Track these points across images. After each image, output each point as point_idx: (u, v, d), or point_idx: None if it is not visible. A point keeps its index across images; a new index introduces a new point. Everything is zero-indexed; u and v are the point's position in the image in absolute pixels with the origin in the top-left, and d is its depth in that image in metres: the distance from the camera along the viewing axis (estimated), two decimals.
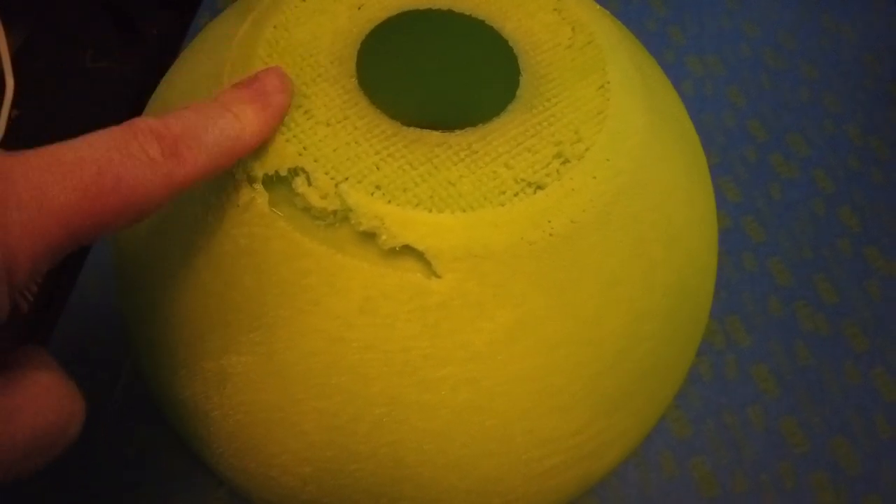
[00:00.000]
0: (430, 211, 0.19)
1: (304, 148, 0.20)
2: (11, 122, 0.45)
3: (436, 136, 0.21)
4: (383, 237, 0.19)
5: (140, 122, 0.16)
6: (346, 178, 0.19)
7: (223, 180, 0.20)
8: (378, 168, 0.20)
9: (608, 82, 0.22)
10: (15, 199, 0.14)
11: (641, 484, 0.32)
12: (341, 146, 0.20)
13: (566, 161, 0.20)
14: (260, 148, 0.20)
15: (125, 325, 0.26)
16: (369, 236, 0.19)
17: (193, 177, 0.17)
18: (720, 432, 0.34)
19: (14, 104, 0.46)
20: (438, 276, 0.19)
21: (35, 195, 0.14)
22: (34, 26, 0.51)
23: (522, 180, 0.20)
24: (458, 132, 0.21)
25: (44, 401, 0.15)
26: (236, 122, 0.18)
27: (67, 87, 0.50)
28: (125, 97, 0.50)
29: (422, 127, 0.21)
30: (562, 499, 0.25)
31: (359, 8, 0.23)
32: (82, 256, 0.36)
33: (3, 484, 0.14)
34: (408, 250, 0.19)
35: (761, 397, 0.35)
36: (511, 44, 0.23)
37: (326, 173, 0.19)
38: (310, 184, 0.19)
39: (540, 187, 0.20)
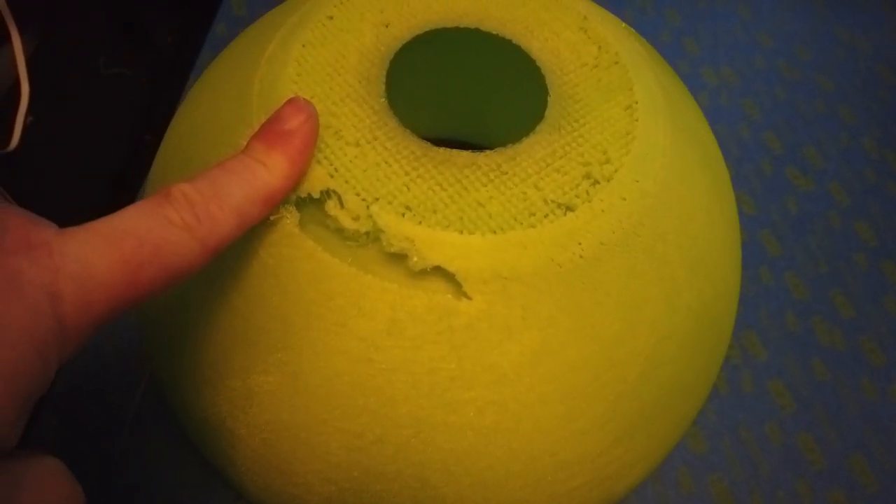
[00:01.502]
0: (461, 232, 0.19)
1: (335, 169, 0.20)
2: (26, 127, 0.45)
3: (465, 156, 0.20)
4: (414, 258, 0.19)
5: (174, 190, 0.16)
6: (377, 199, 0.19)
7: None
8: (408, 189, 0.20)
9: (635, 102, 0.22)
10: (68, 271, 0.14)
11: (659, 500, 0.32)
12: (371, 167, 0.20)
13: (595, 182, 0.20)
14: None
15: (144, 343, 0.26)
16: (397, 257, 0.19)
17: (229, 237, 0.17)
18: (737, 448, 0.34)
19: (28, 111, 0.46)
20: (469, 298, 0.19)
21: (83, 268, 0.14)
22: (47, 32, 0.51)
23: (552, 201, 0.20)
24: (486, 152, 0.21)
25: (51, 481, 0.15)
26: (266, 172, 0.18)
27: (81, 94, 0.50)
28: (138, 104, 0.50)
29: (450, 147, 0.21)
30: None
31: (386, 26, 0.23)
32: None
33: None
34: (435, 271, 0.19)
35: (778, 413, 0.35)
36: (538, 63, 0.23)
37: (357, 194, 0.19)
38: (342, 206, 0.19)
39: (570, 208, 0.20)
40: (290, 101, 0.20)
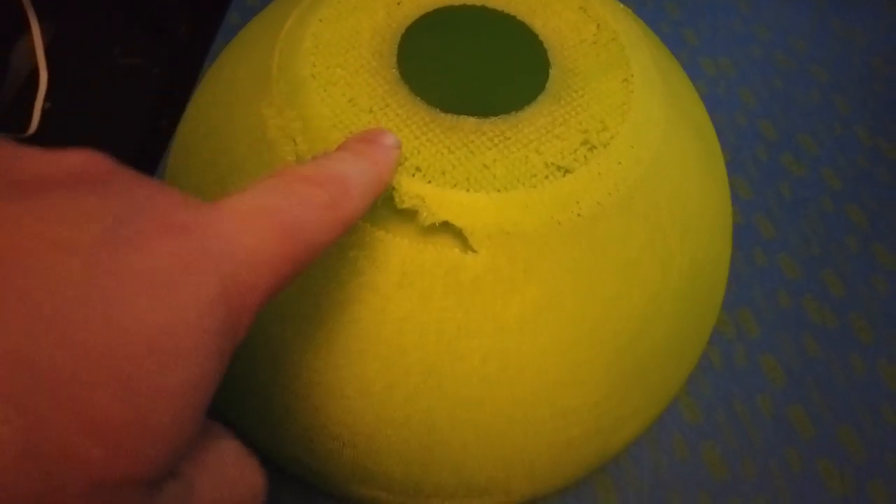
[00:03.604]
0: (467, 191, 0.20)
1: (350, 133, 0.21)
2: (44, 113, 0.47)
3: (471, 122, 0.22)
4: (423, 214, 0.20)
5: (299, 170, 0.16)
6: None
7: (272, 166, 0.21)
8: (418, 152, 0.21)
9: (631, 76, 0.24)
10: (231, 255, 0.13)
11: (654, 466, 0.34)
12: None
13: (593, 148, 0.22)
14: (308, 135, 0.21)
15: None
16: (409, 215, 0.21)
17: (352, 221, 0.17)
18: (730, 419, 0.35)
19: (46, 97, 0.48)
20: (475, 252, 0.20)
21: (249, 250, 0.14)
22: (65, 22, 0.52)
23: (552, 164, 0.21)
24: (491, 119, 0.22)
25: (231, 475, 0.14)
26: (374, 168, 0.18)
27: (97, 82, 0.51)
28: (152, 93, 0.51)
29: (458, 114, 0.22)
30: (580, 471, 0.26)
31: (398, 4, 0.24)
32: None
33: None
34: (444, 228, 0.21)
35: (769, 386, 0.36)
36: (541, 39, 0.24)
37: None
38: None
39: (568, 171, 0.21)
40: (383, 129, 0.20)
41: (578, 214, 0.21)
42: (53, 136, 0.47)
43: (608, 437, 0.25)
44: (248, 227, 0.14)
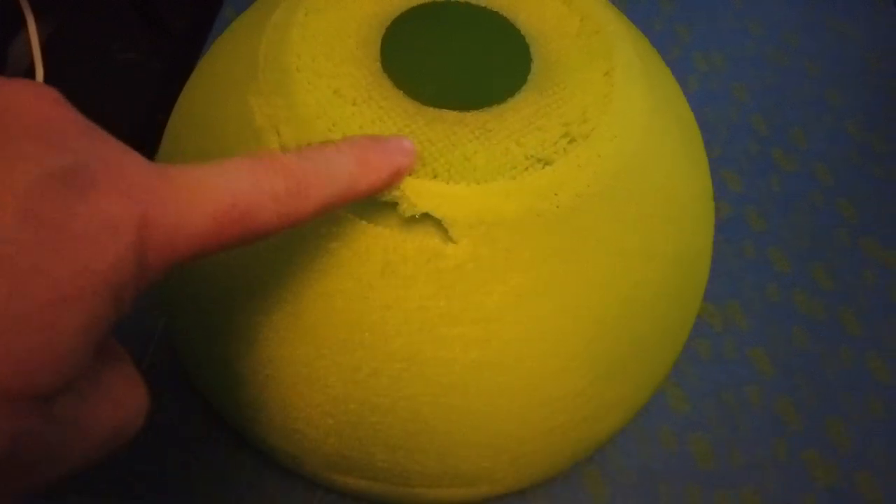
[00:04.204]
0: (448, 182, 0.21)
1: (333, 124, 0.21)
2: None
3: (453, 115, 0.22)
4: (403, 206, 0.20)
5: (272, 158, 0.17)
6: None
7: (257, 153, 0.22)
8: None
9: (614, 69, 0.24)
10: (160, 220, 0.14)
11: (643, 457, 0.34)
12: (367, 123, 0.22)
13: (573, 140, 0.22)
14: (293, 124, 0.22)
15: (158, 289, 0.27)
16: (389, 205, 0.21)
17: (308, 216, 0.17)
18: (718, 410, 0.36)
19: None
20: (454, 242, 0.21)
21: (176, 218, 0.14)
22: (63, 17, 0.53)
23: (532, 156, 0.22)
24: (473, 112, 0.22)
25: (122, 393, 0.15)
26: (357, 169, 0.19)
27: (95, 78, 0.52)
28: (151, 88, 0.52)
29: (440, 107, 0.22)
30: (565, 460, 0.26)
31: None
32: None
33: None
34: (425, 218, 0.21)
35: (758, 378, 0.37)
36: (523, 33, 0.25)
37: None
38: None
39: (548, 163, 0.22)
40: (402, 137, 0.21)
41: (557, 206, 0.21)
42: None
43: (593, 426, 0.25)
44: (188, 201, 0.15)
